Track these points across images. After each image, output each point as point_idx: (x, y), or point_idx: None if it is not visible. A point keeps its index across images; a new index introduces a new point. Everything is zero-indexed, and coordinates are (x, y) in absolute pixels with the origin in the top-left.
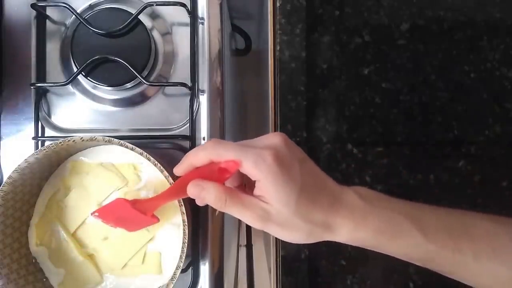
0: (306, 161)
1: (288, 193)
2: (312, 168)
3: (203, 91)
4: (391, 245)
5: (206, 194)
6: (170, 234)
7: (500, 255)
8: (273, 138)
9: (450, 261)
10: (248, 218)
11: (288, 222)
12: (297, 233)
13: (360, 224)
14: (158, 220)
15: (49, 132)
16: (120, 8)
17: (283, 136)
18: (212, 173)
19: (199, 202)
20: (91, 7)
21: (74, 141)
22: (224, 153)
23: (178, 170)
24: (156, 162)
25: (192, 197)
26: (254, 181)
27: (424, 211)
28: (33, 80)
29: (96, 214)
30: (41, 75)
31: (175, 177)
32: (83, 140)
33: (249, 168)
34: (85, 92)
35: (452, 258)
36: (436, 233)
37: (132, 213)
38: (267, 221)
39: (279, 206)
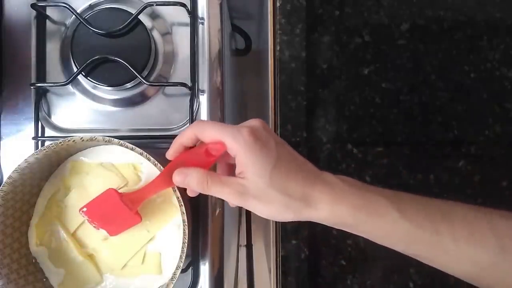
0: (284, 144)
1: (263, 165)
2: (290, 150)
3: (203, 91)
4: (369, 224)
5: (189, 179)
6: (170, 234)
7: (479, 240)
8: (252, 121)
9: (429, 243)
10: (228, 195)
11: (264, 194)
12: (274, 206)
13: (338, 199)
14: (141, 219)
15: (49, 132)
16: (120, 8)
17: (261, 121)
18: (199, 156)
19: (189, 192)
20: (91, 7)
21: (74, 141)
22: (207, 129)
23: (169, 152)
24: (156, 162)
25: (177, 184)
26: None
27: (402, 195)
28: (33, 80)
29: (84, 209)
30: (41, 75)
31: None
32: (83, 140)
33: (229, 143)
34: (85, 92)
35: (431, 240)
36: (415, 214)
37: (119, 207)
38: (245, 196)
39: (255, 178)
